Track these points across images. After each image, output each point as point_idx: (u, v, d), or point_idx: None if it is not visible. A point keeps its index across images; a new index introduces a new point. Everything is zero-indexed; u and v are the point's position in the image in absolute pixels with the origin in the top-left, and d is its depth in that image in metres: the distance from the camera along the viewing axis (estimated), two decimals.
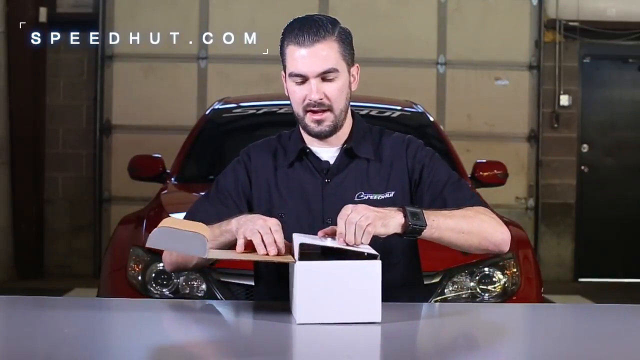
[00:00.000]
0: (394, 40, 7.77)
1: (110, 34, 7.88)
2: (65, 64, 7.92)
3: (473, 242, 2.22)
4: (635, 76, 8.26)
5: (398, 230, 2.11)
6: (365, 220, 2.04)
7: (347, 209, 2.07)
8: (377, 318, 1.89)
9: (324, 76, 2.26)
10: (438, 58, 8.01)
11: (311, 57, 2.25)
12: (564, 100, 8.09)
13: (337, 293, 1.88)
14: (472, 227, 2.21)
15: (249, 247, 2.06)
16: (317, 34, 2.25)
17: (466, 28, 8.01)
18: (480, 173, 4.87)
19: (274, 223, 2.07)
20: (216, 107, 5.06)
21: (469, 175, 4.74)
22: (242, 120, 5.04)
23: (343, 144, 2.36)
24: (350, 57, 2.32)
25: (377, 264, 1.90)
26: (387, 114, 4.71)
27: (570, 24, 8.03)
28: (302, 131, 2.38)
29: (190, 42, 7.90)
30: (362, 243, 2.02)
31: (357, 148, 2.36)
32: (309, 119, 2.30)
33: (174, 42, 7.87)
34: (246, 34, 7.89)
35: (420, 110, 4.99)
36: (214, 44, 7.91)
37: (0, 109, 7.49)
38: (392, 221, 2.09)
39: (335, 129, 2.32)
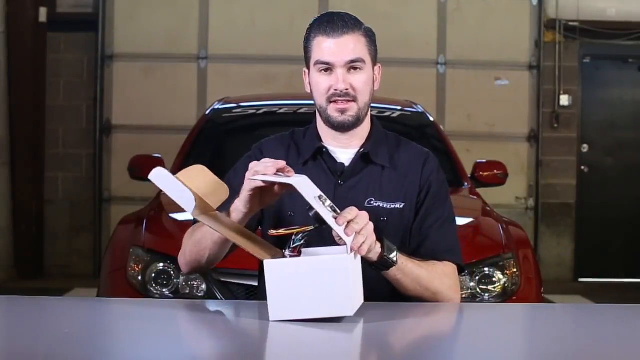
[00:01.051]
0: (394, 40, 7.76)
1: (110, 34, 7.89)
2: (65, 64, 7.93)
3: (423, 296, 2.24)
4: (635, 76, 8.27)
5: (375, 258, 2.11)
6: (371, 238, 2.04)
7: (367, 216, 2.05)
8: (349, 312, 1.89)
9: (351, 66, 2.26)
10: (438, 58, 8.01)
11: (339, 46, 2.25)
12: (564, 100, 8.10)
13: (308, 289, 1.88)
14: (431, 285, 2.22)
15: (256, 197, 2.08)
16: (345, 26, 2.26)
17: (466, 28, 8.01)
18: (480, 173, 4.87)
19: (264, 160, 2.07)
20: (216, 107, 5.06)
21: (469, 175, 4.74)
22: (242, 120, 5.04)
23: (360, 148, 2.35)
24: (375, 54, 2.33)
25: (344, 259, 1.90)
26: (387, 114, 4.71)
27: (570, 24, 8.03)
28: (320, 128, 2.37)
29: (190, 42, 7.91)
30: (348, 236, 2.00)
31: (374, 154, 2.35)
32: (332, 109, 2.28)
33: (174, 42, 7.89)
34: (246, 34, 7.90)
35: (420, 110, 4.99)
36: (214, 44, 7.92)
37: (0, 109, 7.49)
38: (377, 245, 2.10)
39: (358, 121, 2.30)
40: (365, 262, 2.09)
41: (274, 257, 1.99)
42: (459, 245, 2.35)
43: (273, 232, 2.02)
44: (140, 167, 4.87)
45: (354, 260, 1.96)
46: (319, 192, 2.02)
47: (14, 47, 7.54)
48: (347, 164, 2.34)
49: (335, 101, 2.27)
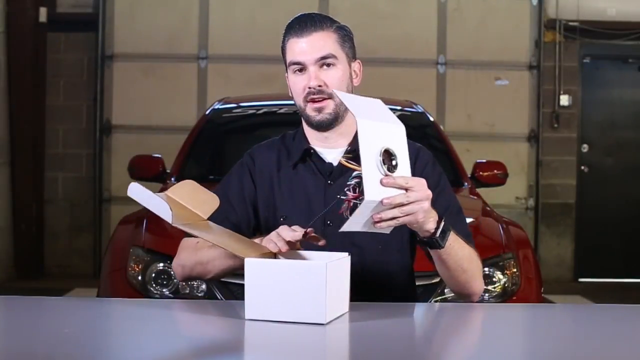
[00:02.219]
0: (394, 40, 7.77)
1: (110, 34, 7.89)
2: (65, 64, 7.93)
3: (460, 280, 2.21)
4: (635, 76, 8.27)
5: (422, 234, 2.08)
6: (410, 218, 1.98)
7: (423, 184, 1.99)
8: (321, 319, 1.88)
9: (323, 63, 2.27)
10: (438, 58, 8.01)
11: (308, 45, 2.27)
12: (564, 100, 8.10)
13: (284, 292, 1.89)
14: (469, 268, 2.20)
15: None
16: (314, 25, 2.28)
17: (466, 28, 8.01)
18: (480, 173, 4.86)
19: (281, 229, 2.08)
20: (216, 107, 5.06)
21: (469, 175, 4.74)
22: (242, 120, 5.04)
23: (347, 147, 2.34)
24: (350, 51, 2.33)
25: (322, 266, 1.89)
26: None
27: (570, 24, 8.03)
28: (305, 130, 2.38)
29: (190, 42, 7.91)
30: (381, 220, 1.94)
31: None
32: (309, 109, 2.29)
33: (174, 42, 7.89)
34: (246, 34, 7.90)
35: (420, 110, 4.99)
36: (214, 44, 7.92)
37: (0, 109, 7.49)
38: (428, 224, 2.06)
39: (336, 118, 2.30)
40: (410, 230, 2.09)
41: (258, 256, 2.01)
42: (471, 233, 2.34)
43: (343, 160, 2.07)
44: (140, 167, 4.87)
45: (341, 266, 1.95)
46: (393, 148, 1.96)
47: (14, 47, 7.54)
48: (335, 163, 2.34)
49: (312, 100, 2.28)
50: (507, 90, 8.05)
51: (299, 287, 1.89)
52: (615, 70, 8.27)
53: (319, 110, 2.28)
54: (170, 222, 1.96)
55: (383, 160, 1.93)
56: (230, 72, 7.89)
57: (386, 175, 1.93)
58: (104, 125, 7.90)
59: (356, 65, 2.36)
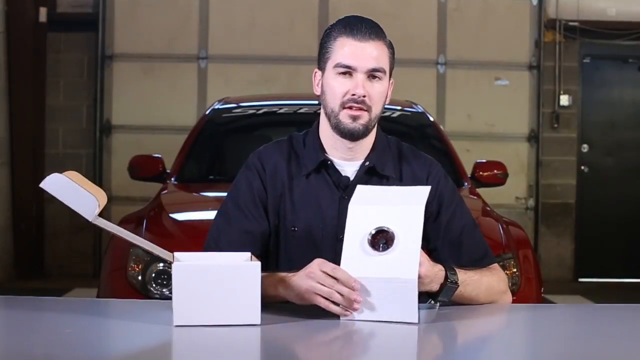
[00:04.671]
0: (394, 40, 7.66)
1: (111, 34, 7.89)
2: (65, 64, 7.93)
3: (479, 304, 2.21)
4: (635, 76, 8.27)
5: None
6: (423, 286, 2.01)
7: (425, 271, 1.99)
8: (256, 320, 1.86)
9: (372, 74, 2.20)
10: (438, 58, 8.01)
11: (364, 51, 2.20)
12: (564, 100, 8.10)
13: (216, 295, 1.86)
14: (488, 299, 2.20)
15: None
16: (373, 32, 2.23)
17: (466, 28, 8.01)
18: (480, 173, 4.86)
19: (329, 268, 1.96)
20: (216, 107, 5.06)
21: (469, 175, 4.74)
22: (242, 120, 5.04)
23: (365, 161, 2.27)
24: (392, 69, 2.29)
25: (256, 266, 1.88)
26: (387, 114, 4.70)
27: (570, 24, 8.03)
28: (323, 138, 2.28)
29: (190, 42, 7.91)
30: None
31: (380, 166, 2.27)
32: (344, 115, 2.20)
33: (174, 42, 7.89)
34: (246, 34, 7.90)
35: (420, 110, 4.98)
36: (214, 44, 7.92)
37: (0, 109, 7.49)
38: (430, 286, 2.05)
39: (367, 131, 2.23)
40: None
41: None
42: (487, 243, 2.33)
43: None
44: (140, 167, 4.87)
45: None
46: (394, 228, 1.97)
47: (14, 47, 7.54)
48: (351, 177, 2.26)
49: (349, 107, 2.19)
50: (507, 90, 8.05)
51: (232, 289, 1.86)
52: (615, 70, 8.27)
53: (354, 118, 2.19)
54: (91, 219, 1.86)
55: (373, 239, 1.96)
56: (230, 72, 7.89)
57: (377, 253, 1.95)
58: (104, 125, 7.90)
59: (390, 84, 2.30)
